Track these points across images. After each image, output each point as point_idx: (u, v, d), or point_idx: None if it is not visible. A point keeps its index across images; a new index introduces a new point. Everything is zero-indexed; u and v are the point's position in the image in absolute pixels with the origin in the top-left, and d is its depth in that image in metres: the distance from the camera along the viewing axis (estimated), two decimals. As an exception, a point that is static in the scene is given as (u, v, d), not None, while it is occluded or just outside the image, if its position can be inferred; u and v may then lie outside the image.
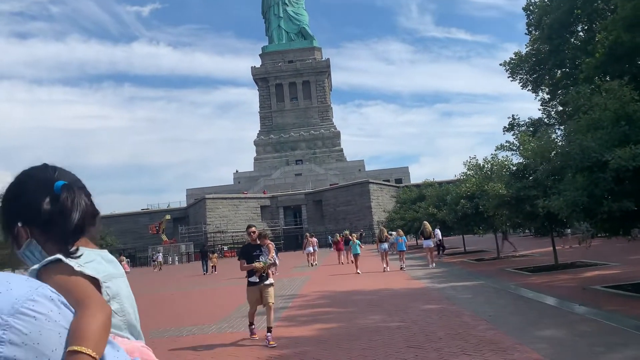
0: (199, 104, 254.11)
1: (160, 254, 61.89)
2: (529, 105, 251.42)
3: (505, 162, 19.55)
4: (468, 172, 25.11)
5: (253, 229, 10.07)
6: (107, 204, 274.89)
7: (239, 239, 72.71)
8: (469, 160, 24.90)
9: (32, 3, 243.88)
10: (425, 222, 28.06)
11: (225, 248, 72.45)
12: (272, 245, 10.12)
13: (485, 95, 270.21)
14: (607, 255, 20.24)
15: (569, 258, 21.07)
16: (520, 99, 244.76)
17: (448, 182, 40.43)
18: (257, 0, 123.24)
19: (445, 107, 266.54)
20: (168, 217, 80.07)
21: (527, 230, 34.62)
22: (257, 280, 9.66)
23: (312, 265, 33.62)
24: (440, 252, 32.70)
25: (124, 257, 30.43)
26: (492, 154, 22.27)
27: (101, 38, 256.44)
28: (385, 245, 26.67)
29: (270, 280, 9.84)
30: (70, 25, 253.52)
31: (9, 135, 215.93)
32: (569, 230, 21.49)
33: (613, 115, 10.96)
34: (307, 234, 37.56)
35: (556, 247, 19.56)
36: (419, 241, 32.00)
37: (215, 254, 41.14)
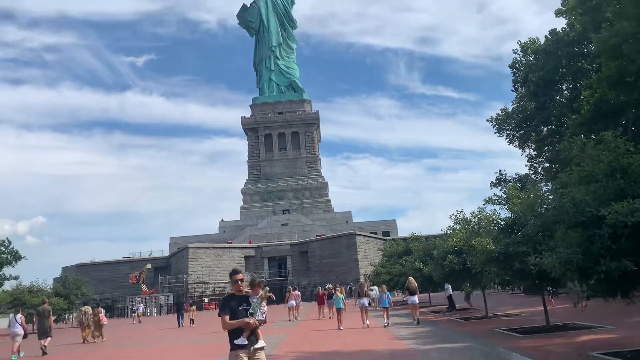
0: (188, 152, 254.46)
1: (142, 305, 59.59)
2: (515, 162, 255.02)
3: (494, 217, 18.76)
4: (455, 226, 24.26)
5: (240, 275, 7.85)
6: (91, 251, 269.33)
7: (221, 290, 70.52)
8: (455, 214, 24.09)
9: (26, 50, 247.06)
10: (410, 277, 27.15)
11: (206, 300, 70.11)
12: (265, 295, 7.76)
13: (472, 152, 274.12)
14: (602, 316, 19.21)
15: (561, 319, 20.00)
16: (506, 156, 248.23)
17: (435, 236, 39.58)
18: (250, 53, 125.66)
19: (432, 162, 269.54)
20: (149, 266, 77.83)
21: (515, 288, 33.54)
22: (245, 342, 7.37)
23: (295, 319, 32.46)
24: (451, 310, 31.51)
25: (101, 309, 28.99)
26: (479, 208, 21.54)
27: (94, 86, 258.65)
28: (365, 301, 25.69)
29: (261, 343, 7.66)
30: (64, 73, 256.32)
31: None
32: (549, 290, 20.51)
33: (607, 168, 10.33)
34: (290, 287, 36.84)
35: (546, 307, 18.55)
36: (404, 297, 30.74)
37: (193, 307, 39.38)
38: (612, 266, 9.17)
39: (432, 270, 27.28)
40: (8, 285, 59.28)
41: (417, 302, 25.68)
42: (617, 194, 9.79)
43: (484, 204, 20.21)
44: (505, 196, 18.38)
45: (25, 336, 22.35)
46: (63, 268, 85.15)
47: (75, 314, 57.08)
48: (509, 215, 17.89)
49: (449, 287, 32.23)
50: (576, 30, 44.11)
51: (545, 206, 14.71)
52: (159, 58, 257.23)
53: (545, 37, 48.94)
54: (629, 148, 10.54)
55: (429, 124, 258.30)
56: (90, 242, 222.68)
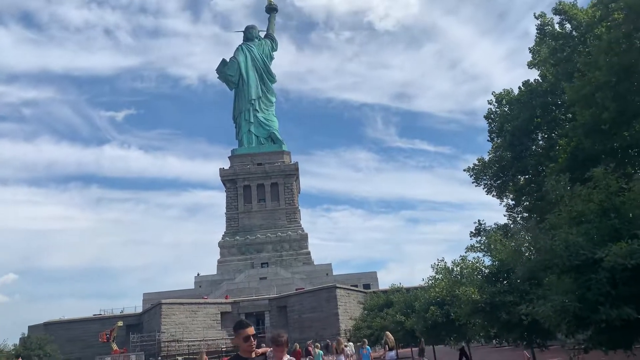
0: (166, 206, 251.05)
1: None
2: (493, 214, 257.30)
3: (477, 264, 17.86)
4: (437, 276, 23.28)
5: (250, 330, 5.61)
6: (63, 309, 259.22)
7: (195, 348, 67.27)
8: (437, 263, 23.16)
9: (4, 105, 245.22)
10: (387, 332, 25.98)
11: (180, 359, 66.69)
12: None
13: (448, 204, 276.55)
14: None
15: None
16: (483, 208, 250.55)
17: (416, 288, 38.45)
18: (229, 106, 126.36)
19: (410, 214, 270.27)
20: (120, 323, 74.26)
21: (503, 341, 32.26)
22: None
23: None
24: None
25: None
26: (460, 256, 20.66)
27: (72, 140, 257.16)
28: (342, 358, 24.69)
29: None
30: (42, 127, 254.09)
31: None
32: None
33: (599, 208, 9.64)
34: (263, 345, 35.00)
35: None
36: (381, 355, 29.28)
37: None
38: (613, 314, 8.30)
39: (414, 323, 26.03)
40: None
41: (396, 358, 24.39)
42: (611, 235, 9.05)
43: (465, 252, 19.39)
44: (487, 243, 17.59)
45: None
46: (30, 327, 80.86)
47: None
48: (493, 263, 17.05)
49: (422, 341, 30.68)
50: (549, 80, 44.99)
51: (531, 252, 13.90)
52: (138, 112, 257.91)
53: (519, 88, 49.82)
54: (622, 185, 9.93)
55: (407, 176, 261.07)
56: (62, 300, 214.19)
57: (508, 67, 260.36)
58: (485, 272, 17.41)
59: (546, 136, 48.12)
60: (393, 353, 24.33)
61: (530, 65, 48.09)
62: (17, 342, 51.55)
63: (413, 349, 40.99)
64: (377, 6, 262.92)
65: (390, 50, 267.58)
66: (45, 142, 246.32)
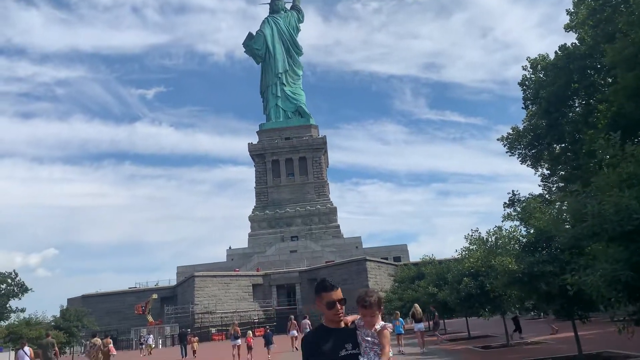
0: (198, 181, 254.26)
1: (151, 336, 57.67)
2: (526, 185, 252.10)
3: (514, 233, 17.04)
4: (470, 247, 22.57)
5: (338, 293, 4.40)
6: (100, 282, 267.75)
7: (228, 320, 68.44)
8: (471, 234, 22.42)
9: (38, 85, 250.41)
10: (415, 304, 25.95)
11: (213, 330, 68.00)
12: (387, 331, 4.40)
13: (480, 176, 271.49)
14: (638, 342, 17.29)
15: (591, 347, 18.12)
16: (516, 179, 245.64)
17: (448, 260, 37.80)
18: (256, 81, 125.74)
19: (441, 186, 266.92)
20: (155, 296, 76.00)
21: (533, 312, 31.42)
22: None
23: (296, 349, 31.10)
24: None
25: (110, 340, 27.91)
26: (495, 227, 19.87)
27: (104, 118, 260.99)
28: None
29: None
30: (74, 106, 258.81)
31: (7, 213, 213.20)
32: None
33: (653, 168, 8.83)
34: (292, 317, 35.49)
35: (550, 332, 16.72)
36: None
37: (196, 338, 37.66)
38: (671, 283, 7.61)
39: (447, 295, 25.47)
40: (14, 318, 57.82)
41: (424, 329, 24.25)
42: (668, 197, 8.27)
43: (502, 221, 18.59)
44: (526, 211, 16.78)
45: None
46: (69, 300, 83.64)
47: (75, 347, 55.26)
48: (531, 231, 16.27)
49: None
50: (587, 43, 42.86)
51: (574, 219, 13.08)
52: (168, 90, 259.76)
53: (555, 52, 47.74)
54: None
55: (437, 148, 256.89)
56: (99, 274, 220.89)
57: (542, 34, 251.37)
58: (522, 242, 16.65)
59: (584, 102, 46.13)
60: (421, 325, 24.20)
61: (568, 28, 45.85)
62: (56, 314, 53.20)
63: (446, 320, 40.66)
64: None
65: (419, 19, 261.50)
66: (78, 120, 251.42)
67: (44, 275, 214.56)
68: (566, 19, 47.81)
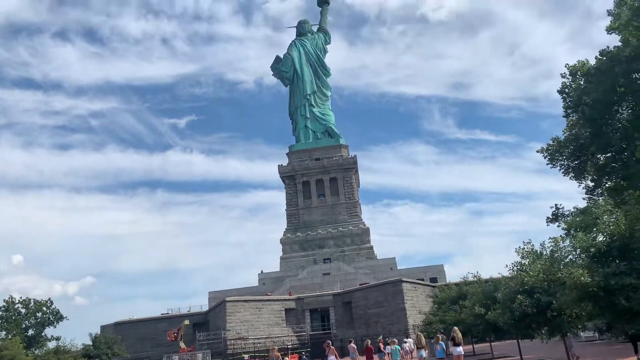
0: (229, 207, 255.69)
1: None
2: (563, 202, 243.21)
3: (584, 240, 14.75)
4: (523, 261, 20.38)
5: None
6: (134, 309, 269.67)
7: (260, 346, 66.49)
8: (522, 247, 20.27)
9: (74, 117, 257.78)
10: (455, 327, 24.05)
11: (246, 357, 66.06)
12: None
13: (514, 194, 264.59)
14: None
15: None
16: (552, 197, 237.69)
17: (486, 281, 35.33)
18: (285, 105, 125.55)
19: (474, 206, 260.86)
20: (187, 322, 74.63)
21: (593, 333, 28.61)
22: None
23: None
24: None
25: None
26: (550, 238, 17.75)
27: (137, 148, 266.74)
28: (423, 353, 23.09)
29: None
30: (109, 137, 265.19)
31: (48, 242, 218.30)
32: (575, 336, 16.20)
33: None
34: (329, 342, 33.29)
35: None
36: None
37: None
38: None
39: (498, 315, 23.11)
40: (51, 346, 57.30)
41: (462, 353, 22.32)
42: None
43: (564, 231, 16.47)
44: (594, 215, 14.69)
45: None
46: (101, 327, 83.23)
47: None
48: (603, 238, 14.15)
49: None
50: (632, 45, 40.40)
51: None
52: (199, 118, 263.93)
53: (596, 57, 45.32)
54: None
55: (468, 168, 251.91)
56: (134, 300, 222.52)
57: (572, 49, 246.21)
58: (591, 251, 14.50)
59: (632, 107, 43.43)
60: (460, 349, 22.36)
61: (610, 29, 43.37)
62: (88, 341, 52.47)
63: (493, 344, 37.83)
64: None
65: (444, 40, 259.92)
66: (112, 150, 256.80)
67: (81, 303, 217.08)
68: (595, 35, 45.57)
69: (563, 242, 16.53)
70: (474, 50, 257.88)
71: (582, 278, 12.99)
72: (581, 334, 34.28)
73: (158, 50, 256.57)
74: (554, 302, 16.25)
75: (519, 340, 28.74)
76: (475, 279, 37.94)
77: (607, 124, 44.81)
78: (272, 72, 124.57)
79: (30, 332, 59.90)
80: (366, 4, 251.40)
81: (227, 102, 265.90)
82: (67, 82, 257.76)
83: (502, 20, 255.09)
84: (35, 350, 57.60)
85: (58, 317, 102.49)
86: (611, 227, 13.52)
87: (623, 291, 12.38)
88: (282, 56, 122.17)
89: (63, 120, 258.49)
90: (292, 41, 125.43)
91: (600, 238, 14.44)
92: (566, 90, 48.69)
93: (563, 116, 49.66)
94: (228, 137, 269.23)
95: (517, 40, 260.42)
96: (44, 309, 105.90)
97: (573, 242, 15.40)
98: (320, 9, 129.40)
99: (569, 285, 13.58)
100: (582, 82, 47.14)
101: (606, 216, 13.93)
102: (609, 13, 43.82)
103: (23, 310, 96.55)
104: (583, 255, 14.77)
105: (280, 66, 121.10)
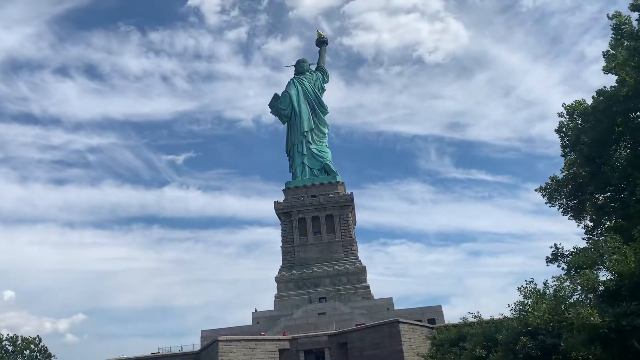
0: (224, 244, 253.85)
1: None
2: (559, 243, 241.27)
3: (591, 278, 14.10)
4: (526, 301, 19.56)
5: None
6: (126, 347, 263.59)
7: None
8: (525, 286, 19.49)
9: (71, 152, 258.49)
10: None
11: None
12: None
13: (511, 234, 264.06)
14: None
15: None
16: (548, 238, 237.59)
17: (487, 322, 34.22)
18: (282, 143, 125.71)
19: (472, 246, 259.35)
20: (177, 362, 72.53)
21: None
22: None
23: None
24: None
25: None
26: (553, 277, 17.01)
27: (134, 183, 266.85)
28: None
29: None
30: (106, 172, 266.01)
31: (39, 278, 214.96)
32: None
33: None
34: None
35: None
36: None
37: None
38: None
39: (501, 357, 22.08)
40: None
41: None
42: None
43: (564, 271, 15.78)
44: (599, 253, 14.03)
45: None
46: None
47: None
48: (610, 276, 13.47)
49: None
50: (629, 84, 40.63)
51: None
52: (197, 154, 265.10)
53: (593, 97, 45.63)
54: None
55: (465, 207, 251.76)
56: (126, 338, 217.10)
57: (565, 91, 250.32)
58: (599, 290, 13.78)
59: (630, 146, 43.34)
60: None
61: (606, 69, 43.74)
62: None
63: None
64: (426, 40, 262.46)
65: (440, 80, 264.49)
66: (109, 185, 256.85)
67: (72, 340, 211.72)
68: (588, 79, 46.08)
69: (567, 281, 15.80)
70: (470, 91, 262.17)
71: (592, 318, 12.28)
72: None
73: (158, 87, 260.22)
74: (561, 344, 15.43)
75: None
76: (475, 319, 36.85)
77: (606, 163, 44.67)
78: (270, 110, 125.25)
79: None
80: (364, 45, 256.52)
81: (225, 139, 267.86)
82: (66, 117, 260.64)
83: (498, 63, 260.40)
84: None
85: (46, 356, 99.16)
86: (619, 265, 12.86)
87: (635, 333, 11.64)
88: (280, 94, 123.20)
89: (60, 155, 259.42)
90: (291, 79, 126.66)
91: (606, 276, 13.77)
92: (564, 129, 48.83)
93: (561, 155, 49.61)
94: (225, 173, 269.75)
95: (512, 82, 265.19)
96: (32, 346, 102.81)
97: (579, 280, 14.71)
98: (318, 48, 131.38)
99: (577, 326, 12.84)
100: (579, 122, 47.31)
101: (615, 255, 13.25)
102: (605, 54, 44.31)
103: (10, 348, 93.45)
104: (590, 295, 14.04)
105: (278, 103, 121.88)
